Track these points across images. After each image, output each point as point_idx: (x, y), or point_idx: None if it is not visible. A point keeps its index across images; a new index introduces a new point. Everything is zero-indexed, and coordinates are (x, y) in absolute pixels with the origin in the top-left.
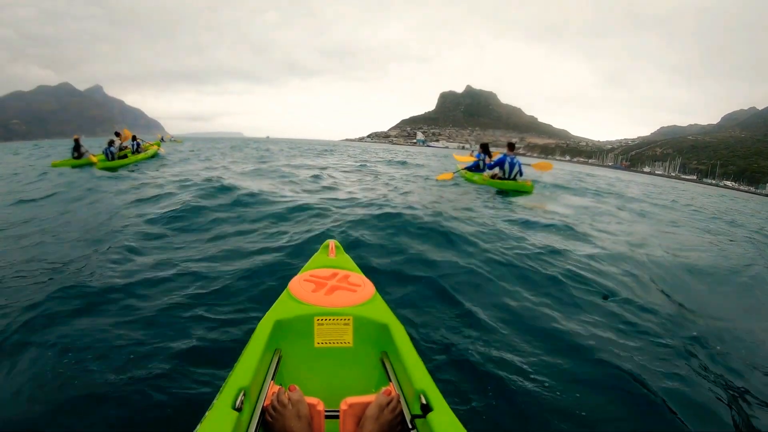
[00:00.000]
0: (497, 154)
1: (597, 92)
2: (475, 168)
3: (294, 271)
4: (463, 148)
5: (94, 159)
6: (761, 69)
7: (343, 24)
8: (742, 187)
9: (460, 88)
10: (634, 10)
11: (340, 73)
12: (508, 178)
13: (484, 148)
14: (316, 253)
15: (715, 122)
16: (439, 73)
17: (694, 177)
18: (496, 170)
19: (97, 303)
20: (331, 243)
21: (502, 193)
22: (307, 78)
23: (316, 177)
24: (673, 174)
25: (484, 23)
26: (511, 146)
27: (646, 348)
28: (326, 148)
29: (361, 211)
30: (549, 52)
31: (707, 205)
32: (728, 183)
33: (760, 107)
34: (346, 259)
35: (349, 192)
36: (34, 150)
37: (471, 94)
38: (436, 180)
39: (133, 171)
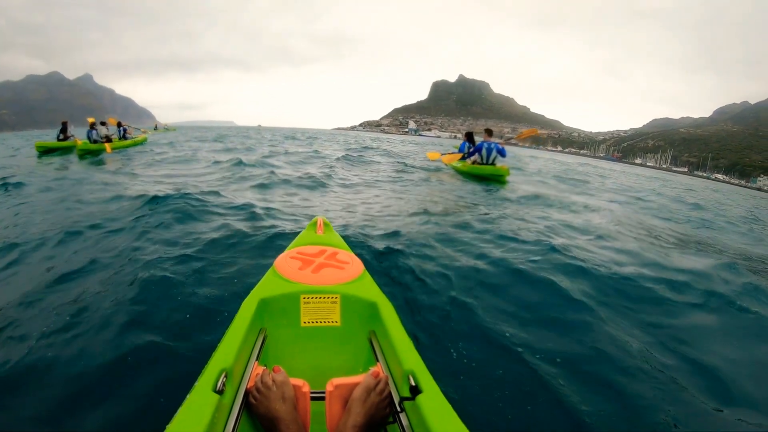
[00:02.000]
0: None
1: (591, 82)
2: (462, 155)
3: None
4: (455, 137)
5: (79, 142)
6: (755, 64)
7: (335, 10)
8: (732, 180)
9: (452, 77)
10: (632, 3)
11: (332, 61)
12: (487, 163)
13: (469, 137)
14: (303, 230)
15: (707, 116)
16: (433, 62)
17: (686, 169)
18: (476, 156)
19: (71, 279)
20: (319, 219)
21: (481, 178)
22: (299, 66)
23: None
24: (665, 166)
25: (478, 11)
26: (488, 132)
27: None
28: (312, 136)
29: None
30: (544, 42)
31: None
32: (719, 176)
33: (752, 102)
34: (335, 236)
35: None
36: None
37: (464, 83)
38: (426, 157)
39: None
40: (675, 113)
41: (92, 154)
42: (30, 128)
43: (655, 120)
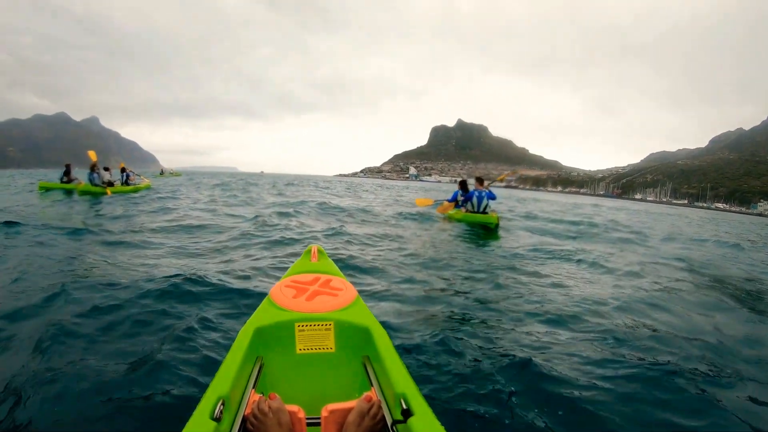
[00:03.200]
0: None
1: (587, 121)
2: (455, 203)
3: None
4: (455, 181)
5: (81, 185)
6: (746, 90)
7: (335, 60)
8: (733, 208)
9: (451, 122)
10: (620, 41)
11: (333, 108)
12: (478, 212)
13: (462, 185)
14: (298, 259)
15: (703, 145)
16: (431, 108)
17: (685, 201)
18: (468, 205)
19: (76, 307)
20: (314, 248)
21: (472, 225)
22: (301, 113)
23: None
24: (665, 199)
25: (473, 58)
26: (479, 181)
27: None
28: (316, 184)
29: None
30: (538, 84)
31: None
32: (719, 205)
33: (746, 128)
34: (329, 263)
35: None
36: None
37: (462, 127)
38: (416, 203)
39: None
40: (671, 146)
41: (93, 196)
42: (35, 166)
43: (652, 154)
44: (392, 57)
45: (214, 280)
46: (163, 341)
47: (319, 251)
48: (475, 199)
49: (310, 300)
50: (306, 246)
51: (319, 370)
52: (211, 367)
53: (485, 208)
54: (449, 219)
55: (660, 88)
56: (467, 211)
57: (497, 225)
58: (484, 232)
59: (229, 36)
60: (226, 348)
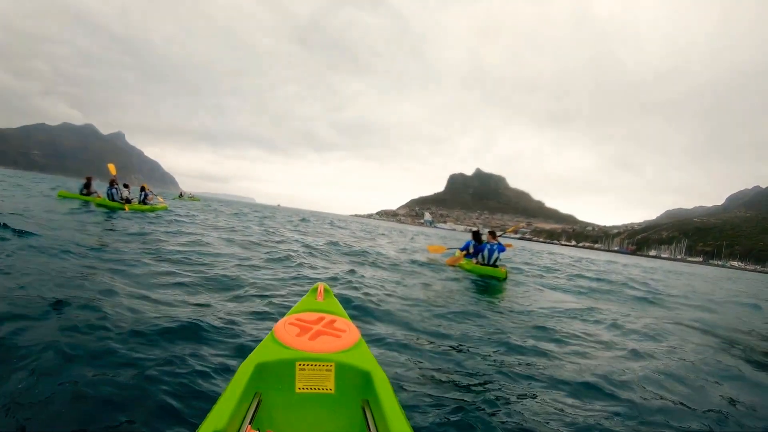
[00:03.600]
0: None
1: (603, 176)
2: (466, 253)
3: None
4: (469, 230)
5: (99, 199)
6: (764, 148)
7: (359, 102)
8: (748, 267)
9: (469, 171)
10: (639, 98)
11: (353, 149)
12: (488, 264)
13: (475, 235)
14: (304, 296)
15: (720, 203)
16: (450, 155)
17: (700, 259)
18: (479, 257)
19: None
20: (320, 286)
21: (482, 277)
22: (322, 151)
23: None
24: (679, 257)
25: (495, 110)
26: (492, 234)
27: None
28: (332, 222)
29: None
30: (557, 137)
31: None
32: (734, 263)
33: (763, 186)
34: (334, 303)
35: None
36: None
37: (480, 177)
38: (428, 250)
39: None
40: (688, 203)
41: (109, 209)
42: (58, 173)
43: (668, 211)
44: (416, 103)
45: (222, 314)
46: (162, 373)
47: (326, 290)
48: (486, 252)
49: (313, 339)
50: (313, 284)
51: (317, 411)
52: (208, 400)
53: (495, 261)
54: (460, 268)
55: (678, 145)
56: (477, 262)
57: (505, 279)
58: (492, 284)
59: (259, 70)
60: (225, 381)
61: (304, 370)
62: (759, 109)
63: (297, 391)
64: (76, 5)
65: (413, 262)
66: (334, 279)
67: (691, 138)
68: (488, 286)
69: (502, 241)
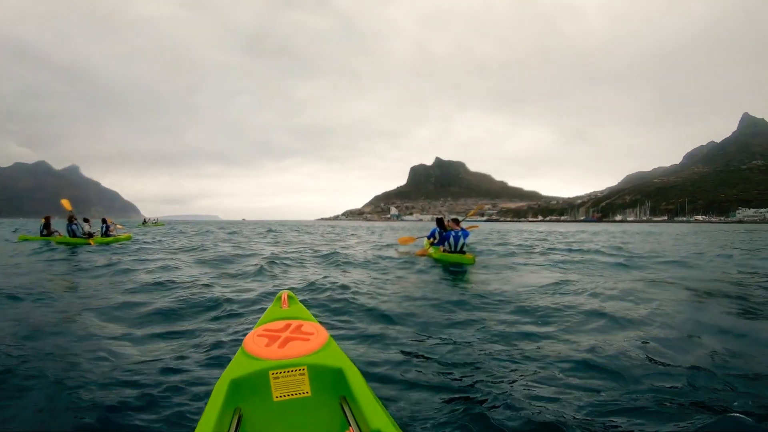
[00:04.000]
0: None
1: (562, 150)
2: (433, 240)
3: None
4: (435, 219)
5: (60, 237)
6: (714, 103)
7: (314, 106)
8: (713, 219)
9: (429, 161)
10: (587, 72)
11: (312, 153)
12: (456, 251)
13: (438, 222)
14: (269, 306)
15: (678, 162)
16: (409, 148)
17: (665, 218)
18: (446, 245)
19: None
20: (284, 294)
21: (451, 264)
22: (281, 159)
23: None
24: (645, 218)
25: (448, 97)
26: (455, 221)
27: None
28: (299, 229)
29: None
30: (513, 118)
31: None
32: (699, 217)
33: (718, 140)
34: (300, 308)
35: None
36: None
37: (440, 165)
38: (398, 242)
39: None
40: (647, 165)
41: (73, 245)
42: (16, 215)
43: (629, 176)
44: (371, 100)
45: (204, 337)
46: (140, 398)
47: (290, 297)
48: (452, 239)
49: (283, 347)
50: (277, 293)
51: (297, 415)
52: (186, 422)
53: (462, 247)
54: (429, 258)
55: (630, 111)
56: (445, 250)
57: (473, 263)
58: (463, 271)
59: (209, 85)
60: (203, 401)
61: (278, 378)
62: (704, 66)
63: (275, 399)
64: (14, 39)
65: (384, 258)
66: (311, 285)
67: (643, 102)
68: (459, 273)
69: (466, 225)
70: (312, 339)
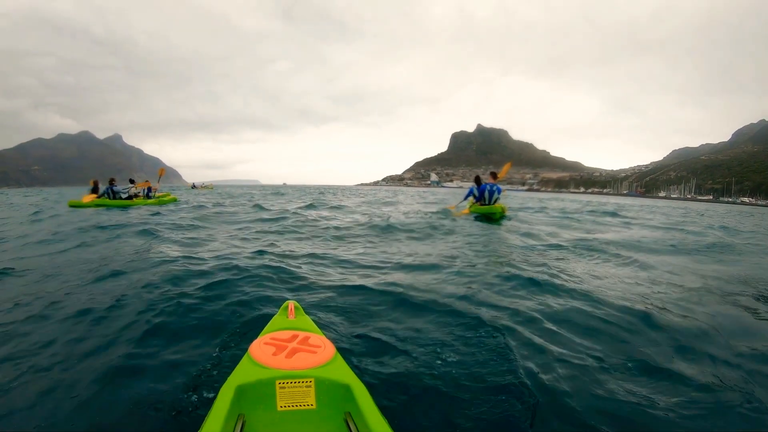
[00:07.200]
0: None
1: (607, 121)
2: (475, 197)
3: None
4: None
5: (108, 201)
6: (767, 80)
7: (353, 71)
8: (759, 201)
9: (471, 128)
10: (635, 40)
11: (352, 118)
12: (489, 203)
13: (477, 180)
14: (275, 315)
15: (726, 139)
16: (450, 114)
17: (710, 197)
18: (482, 199)
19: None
20: (291, 304)
21: (481, 218)
22: (320, 124)
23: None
24: (689, 196)
25: (491, 62)
26: (493, 175)
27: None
28: (341, 192)
29: None
30: (556, 85)
31: None
32: (745, 199)
33: None
34: (306, 320)
35: None
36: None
37: (482, 132)
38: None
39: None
40: (694, 141)
41: (122, 208)
42: (61, 185)
43: (675, 151)
44: (410, 65)
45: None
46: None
47: (296, 307)
48: (486, 193)
49: (290, 357)
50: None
51: (300, 427)
52: (190, 427)
53: (495, 200)
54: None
55: (679, 84)
56: (480, 203)
57: (503, 215)
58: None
59: (247, 51)
60: (207, 406)
61: (284, 388)
62: (762, 41)
63: (279, 409)
64: (51, 15)
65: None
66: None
67: (692, 75)
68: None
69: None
70: (319, 352)
